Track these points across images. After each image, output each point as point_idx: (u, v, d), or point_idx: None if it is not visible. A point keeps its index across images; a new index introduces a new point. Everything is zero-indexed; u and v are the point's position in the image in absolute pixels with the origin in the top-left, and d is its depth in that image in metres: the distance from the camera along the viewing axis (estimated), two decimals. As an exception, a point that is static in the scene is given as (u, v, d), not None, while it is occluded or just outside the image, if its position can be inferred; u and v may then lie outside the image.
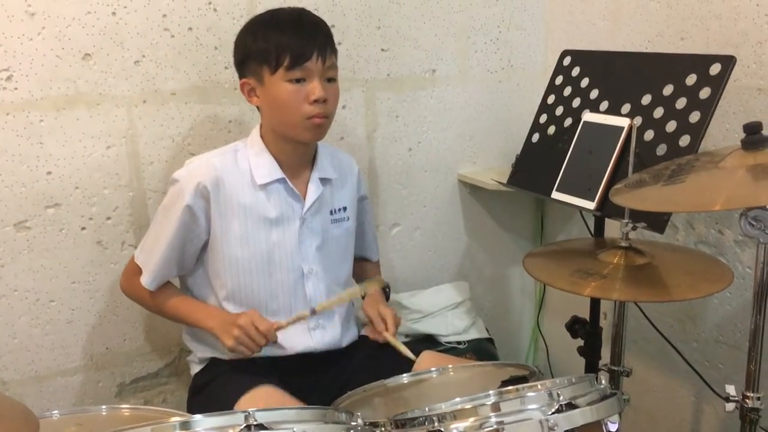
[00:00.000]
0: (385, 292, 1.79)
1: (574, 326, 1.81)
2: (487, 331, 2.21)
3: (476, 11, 2.17)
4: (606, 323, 1.88)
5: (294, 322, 1.55)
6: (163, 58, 1.78)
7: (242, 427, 0.99)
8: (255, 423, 0.99)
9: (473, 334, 2.13)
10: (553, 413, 1.07)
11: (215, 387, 1.57)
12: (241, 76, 1.56)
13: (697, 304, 1.93)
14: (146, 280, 1.57)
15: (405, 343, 1.98)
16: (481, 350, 2.10)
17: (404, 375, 1.56)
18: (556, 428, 1.05)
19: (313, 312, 1.56)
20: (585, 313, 1.83)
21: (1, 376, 1.75)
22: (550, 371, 2.46)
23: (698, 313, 1.93)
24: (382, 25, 2.05)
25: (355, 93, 2.05)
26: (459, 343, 2.09)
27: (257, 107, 1.58)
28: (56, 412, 1.42)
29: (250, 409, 1.01)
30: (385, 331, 1.65)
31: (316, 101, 1.48)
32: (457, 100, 2.21)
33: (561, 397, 1.08)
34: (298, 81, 1.48)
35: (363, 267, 1.86)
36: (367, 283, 1.69)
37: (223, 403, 1.45)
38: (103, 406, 1.47)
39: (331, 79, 1.53)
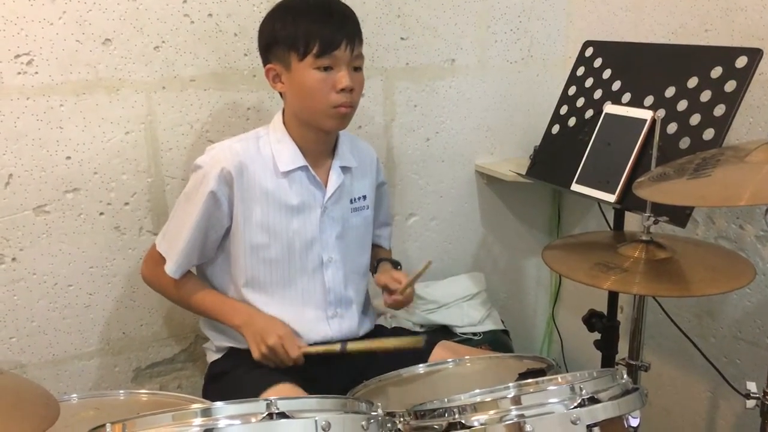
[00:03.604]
0: (396, 269, 1.77)
1: (591, 320, 1.80)
2: (503, 322, 2.20)
3: (497, 0, 2.15)
4: (623, 317, 1.87)
5: (323, 352, 1.54)
6: (182, 44, 1.77)
7: (264, 415, 0.99)
8: (277, 411, 0.99)
9: (488, 326, 2.13)
10: (576, 407, 1.06)
11: (234, 379, 1.57)
12: (265, 62, 1.55)
13: (716, 299, 1.91)
14: (170, 268, 1.57)
15: (420, 334, 1.98)
16: (496, 341, 2.09)
17: (420, 365, 1.56)
18: (578, 422, 1.04)
19: (344, 349, 1.54)
20: (600, 307, 1.82)
21: (19, 359, 1.76)
22: (564, 364, 2.45)
23: (717, 308, 1.92)
24: (402, 14, 2.03)
25: (374, 82, 2.04)
26: (474, 334, 2.09)
27: (281, 94, 1.57)
28: (75, 396, 1.43)
29: (271, 398, 1.01)
30: (400, 287, 1.60)
31: (342, 90, 1.47)
32: (475, 90, 2.20)
33: (584, 391, 1.07)
34: (325, 69, 1.47)
35: (375, 252, 1.82)
36: (405, 338, 1.63)
37: (242, 397, 1.45)
38: (121, 391, 1.48)
39: (358, 68, 1.52)
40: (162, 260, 1.58)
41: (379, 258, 1.78)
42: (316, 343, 1.59)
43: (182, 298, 1.62)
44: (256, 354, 1.51)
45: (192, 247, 1.55)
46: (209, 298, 1.60)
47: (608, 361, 1.80)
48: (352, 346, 1.56)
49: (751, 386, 1.44)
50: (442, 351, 1.64)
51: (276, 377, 1.48)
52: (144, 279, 1.67)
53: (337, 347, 1.55)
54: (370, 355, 1.63)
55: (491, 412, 1.08)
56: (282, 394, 1.44)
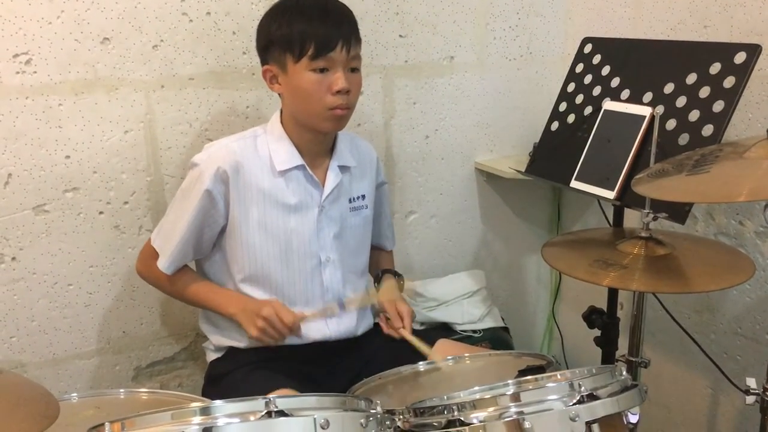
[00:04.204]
0: (399, 285, 1.79)
1: (591, 316, 1.80)
2: (503, 319, 2.20)
3: (496, -3, 2.15)
4: (623, 314, 1.87)
5: (320, 315, 1.54)
6: (181, 43, 1.77)
7: (263, 413, 0.99)
8: (275, 409, 0.99)
9: (488, 323, 2.12)
10: (575, 404, 1.06)
11: (233, 382, 1.56)
12: (263, 63, 1.54)
13: (716, 295, 1.91)
14: (163, 264, 1.57)
15: (420, 332, 1.98)
16: (496, 339, 2.09)
17: (420, 363, 1.56)
18: (577, 419, 1.04)
19: (342, 306, 1.54)
20: (600, 303, 1.82)
21: (19, 359, 1.76)
22: (565, 361, 2.45)
23: (716, 304, 1.92)
24: (401, 11, 2.03)
25: (373, 79, 2.04)
26: (474, 331, 2.09)
27: (278, 94, 1.57)
28: (75, 395, 1.43)
29: (270, 396, 1.00)
30: (402, 329, 1.64)
31: (338, 92, 1.47)
32: (475, 87, 2.20)
33: (582, 388, 1.07)
34: (321, 71, 1.46)
35: (377, 257, 1.84)
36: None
37: None
38: (121, 390, 1.48)
39: (355, 69, 1.51)
40: (156, 255, 1.58)
41: (383, 269, 1.79)
42: (314, 342, 1.59)
43: (176, 291, 1.62)
44: (253, 331, 1.50)
45: (186, 244, 1.55)
46: (203, 289, 1.61)
47: (608, 358, 1.80)
48: (348, 300, 1.56)
49: (751, 382, 1.44)
50: (442, 349, 1.64)
51: (276, 382, 1.46)
52: (138, 273, 1.68)
53: (335, 307, 1.54)
54: (370, 354, 1.63)
55: (490, 409, 1.08)
56: None
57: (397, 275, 1.79)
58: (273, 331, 1.49)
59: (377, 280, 1.77)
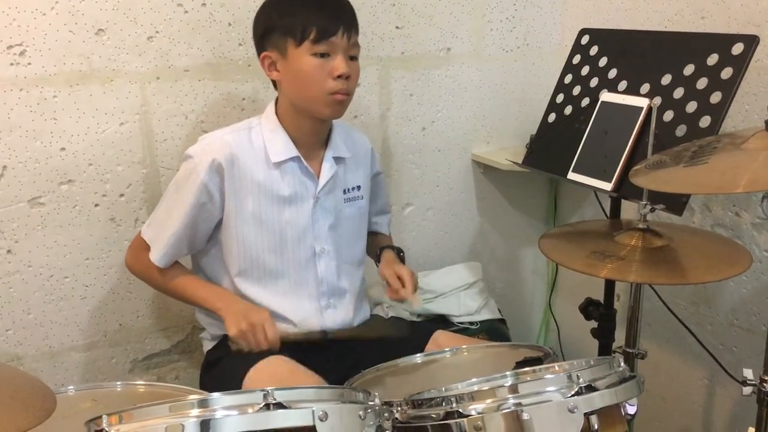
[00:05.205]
0: (400, 256, 1.76)
1: (588, 308, 1.80)
2: (500, 311, 2.20)
3: (492, -12, 2.14)
4: (619, 305, 1.87)
5: (303, 339, 1.54)
6: (176, 34, 1.76)
7: (261, 405, 0.99)
8: (274, 401, 0.99)
9: (485, 315, 2.13)
10: (573, 395, 1.06)
11: (226, 361, 1.57)
12: (261, 50, 1.54)
13: (712, 287, 1.92)
14: (156, 257, 1.56)
15: (417, 323, 1.99)
16: (493, 331, 2.09)
17: (417, 355, 1.56)
18: (575, 411, 1.04)
19: (325, 335, 1.55)
20: (597, 295, 1.82)
21: (16, 351, 1.76)
22: (561, 352, 2.46)
23: (713, 296, 1.92)
24: (397, 2, 2.02)
25: (369, 71, 2.03)
26: (471, 323, 2.09)
27: (275, 83, 1.56)
28: (71, 387, 1.42)
29: (268, 388, 1.00)
30: (402, 289, 1.61)
31: (339, 77, 1.47)
32: (471, 79, 2.19)
33: (581, 380, 1.07)
34: (322, 56, 1.46)
35: (378, 239, 1.83)
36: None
37: (235, 375, 1.45)
38: (118, 382, 1.47)
39: (354, 58, 1.52)
40: (147, 247, 1.57)
41: (382, 246, 1.78)
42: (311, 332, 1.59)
43: (166, 284, 1.60)
44: (233, 330, 1.48)
45: (180, 238, 1.54)
46: (191, 283, 1.59)
47: (605, 350, 1.81)
48: (333, 334, 1.56)
49: (748, 373, 1.44)
50: (439, 341, 1.64)
51: (265, 353, 1.47)
52: (127, 265, 1.66)
53: (318, 334, 1.55)
54: (366, 344, 1.63)
55: (488, 400, 1.08)
56: (272, 367, 1.45)
57: (396, 250, 1.76)
58: (251, 338, 1.48)
59: (377, 258, 1.76)
